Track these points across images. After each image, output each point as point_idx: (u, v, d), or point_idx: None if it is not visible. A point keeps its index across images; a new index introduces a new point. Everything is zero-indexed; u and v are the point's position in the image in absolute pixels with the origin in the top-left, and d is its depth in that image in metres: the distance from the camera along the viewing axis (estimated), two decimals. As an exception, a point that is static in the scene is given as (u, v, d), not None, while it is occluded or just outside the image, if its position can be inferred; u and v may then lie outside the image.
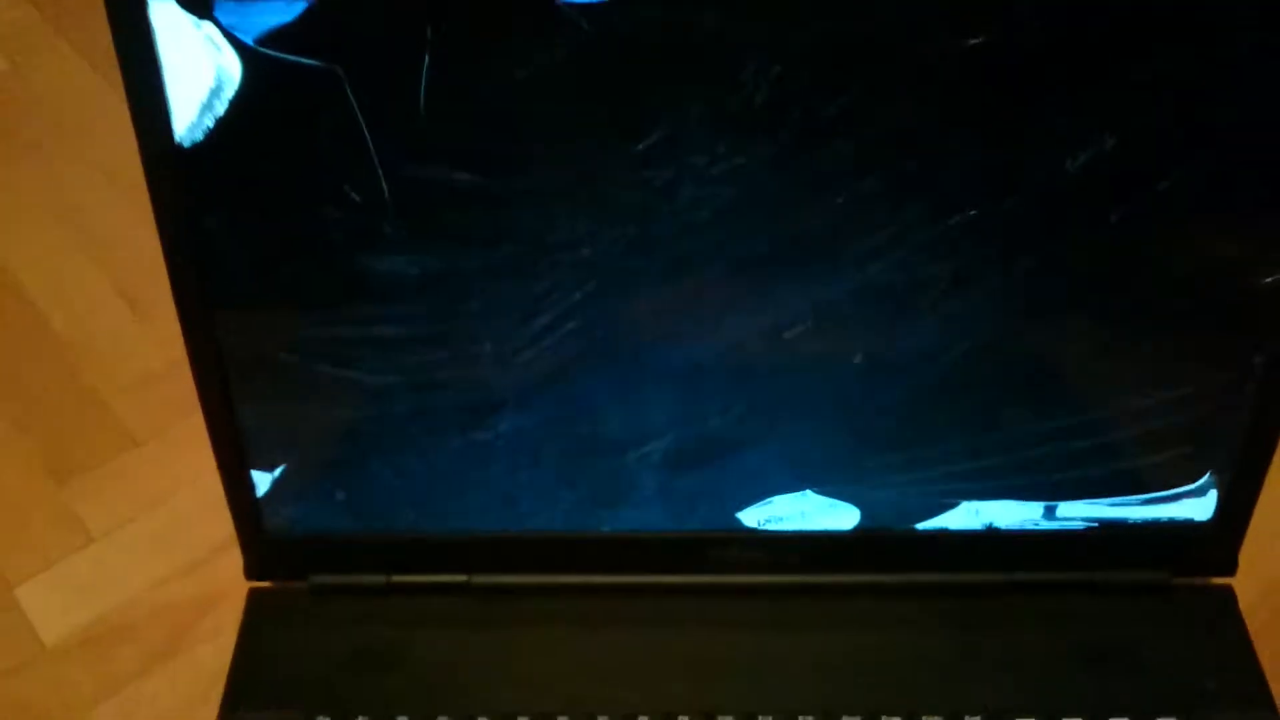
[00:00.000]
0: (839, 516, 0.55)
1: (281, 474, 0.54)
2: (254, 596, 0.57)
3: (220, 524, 0.56)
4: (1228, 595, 0.56)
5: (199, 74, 0.43)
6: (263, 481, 0.54)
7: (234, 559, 0.57)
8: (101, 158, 0.84)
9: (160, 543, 0.63)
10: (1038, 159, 0.45)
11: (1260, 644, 0.55)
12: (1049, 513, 0.55)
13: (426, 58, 0.43)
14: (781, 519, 0.55)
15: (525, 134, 0.45)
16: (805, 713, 0.52)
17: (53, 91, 0.88)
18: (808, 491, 0.54)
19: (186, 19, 0.42)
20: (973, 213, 0.46)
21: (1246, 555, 0.56)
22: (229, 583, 0.59)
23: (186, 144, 0.44)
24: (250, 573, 0.57)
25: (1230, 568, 0.56)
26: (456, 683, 0.54)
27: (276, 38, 0.42)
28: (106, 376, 0.71)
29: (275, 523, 0.55)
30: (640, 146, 0.45)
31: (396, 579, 0.56)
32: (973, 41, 0.42)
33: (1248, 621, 0.56)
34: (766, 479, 0.54)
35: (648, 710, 0.53)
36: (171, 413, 0.68)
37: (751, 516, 0.55)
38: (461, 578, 0.56)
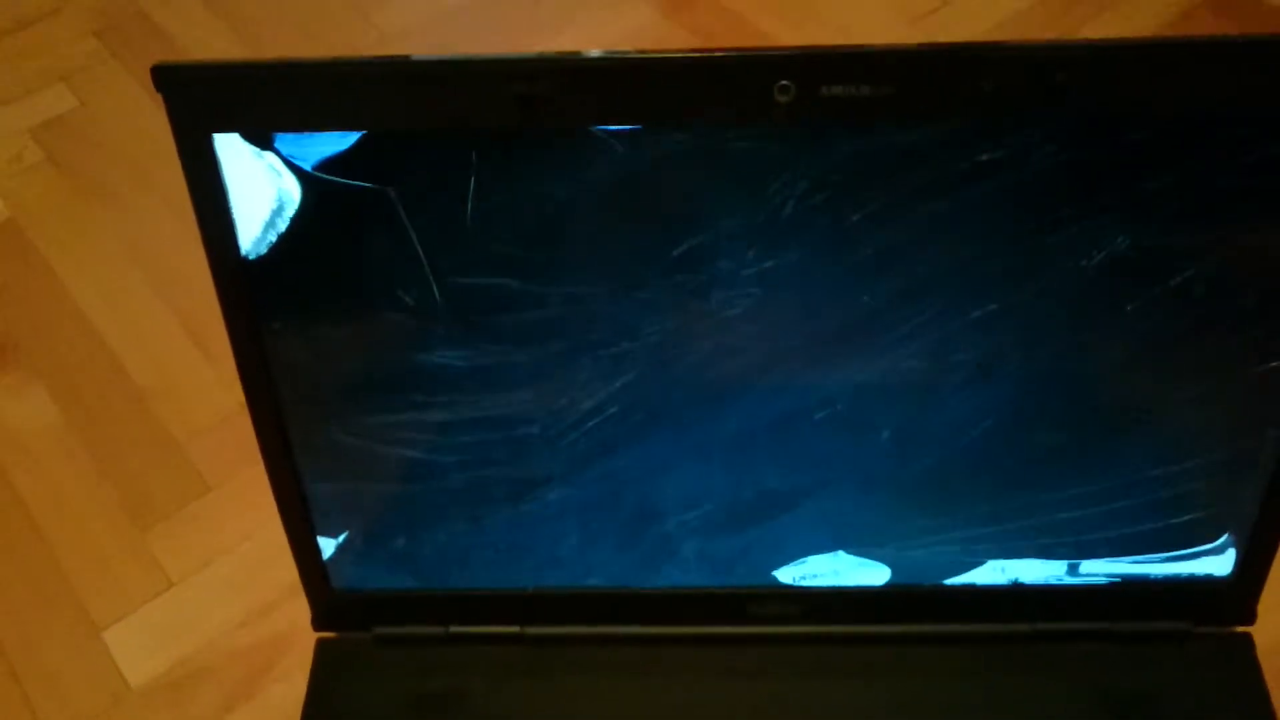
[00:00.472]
0: (870, 574, 0.58)
1: (345, 539, 0.57)
2: (322, 646, 0.62)
3: (290, 568, 0.60)
4: (1246, 643, 0.59)
5: (262, 196, 0.46)
6: (328, 546, 0.58)
7: (304, 602, 0.61)
8: (170, 196, 0.87)
9: (235, 587, 0.68)
10: (1056, 258, 0.47)
11: (1276, 689, 0.57)
12: (1072, 569, 0.57)
13: (472, 180, 0.46)
14: (816, 576, 0.58)
15: (566, 244, 0.48)
16: (835, 760, 0.56)
17: (121, 128, 0.92)
18: (840, 552, 0.57)
19: (249, 149, 0.45)
20: (993, 307, 0.48)
21: (1265, 602, 0.58)
22: (300, 626, 0.63)
23: (252, 256, 0.48)
24: (318, 625, 0.61)
25: (1249, 618, 0.58)
26: (511, 726, 0.58)
27: (333, 164, 0.46)
28: (181, 420, 0.75)
29: (340, 581, 0.59)
30: (674, 253, 0.47)
31: (454, 630, 0.60)
32: (988, 157, 0.44)
33: (1265, 666, 0.58)
34: (801, 541, 0.57)
35: (688, 754, 0.57)
36: (243, 456, 0.72)
37: (787, 574, 0.58)
38: (515, 629, 0.60)
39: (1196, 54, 0.43)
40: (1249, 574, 0.57)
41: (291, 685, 0.62)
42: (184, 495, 0.72)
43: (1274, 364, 0.50)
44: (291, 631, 0.65)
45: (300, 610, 0.62)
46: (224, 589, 0.67)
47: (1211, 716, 0.56)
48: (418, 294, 0.49)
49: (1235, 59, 0.43)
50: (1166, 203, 0.46)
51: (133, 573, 0.68)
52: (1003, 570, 0.57)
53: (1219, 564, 0.56)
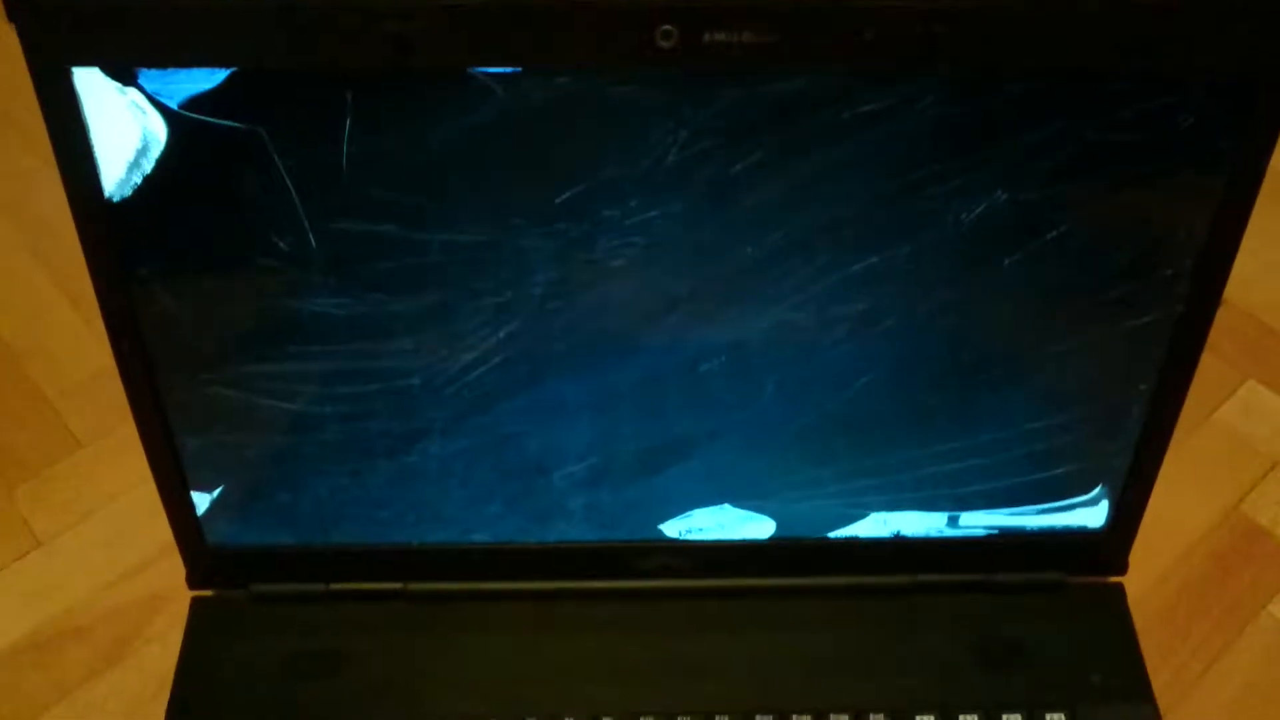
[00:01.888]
0: (755, 527, 0.58)
1: (220, 494, 0.56)
2: (196, 604, 0.60)
3: (165, 526, 0.59)
4: (1118, 593, 0.60)
5: (125, 135, 0.44)
6: (202, 501, 0.56)
7: (179, 562, 0.59)
8: (46, 152, 0.83)
9: (106, 546, 0.65)
10: (935, 212, 0.47)
11: (1145, 637, 0.59)
12: (952, 521, 0.58)
13: (347, 121, 0.44)
14: (701, 530, 0.58)
15: (445, 190, 0.46)
16: (720, 712, 0.56)
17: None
18: (726, 505, 0.57)
19: (111, 85, 0.43)
20: (874, 260, 0.48)
21: (1138, 549, 0.60)
22: (174, 585, 0.61)
23: (116, 199, 0.46)
24: (193, 582, 0.59)
25: (1121, 568, 0.60)
26: (393, 688, 0.57)
27: (201, 103, 0.44)
28: (52, 378, 0.73)
29: (215, 537, 0.57)
30: (556, 201, 0.46)
31: (335, 587, 0.59)
32: (869, 108, 0.44)
33: (1136, 614, 0.60)
34: (686, 495, 0.57)
35: (573, 712, 0.56)
36: (117, 413, 0.69)
37: (673, 528, 0.58)
38: (397, 585, 0.59)
39: (1074, 11, 0.44)
40: (1121, 525, 0.58)
41: (165, 645, 0.60)
42: (53, 453, 0.69)
43: (1145, 319, 0.51)
44: (166, 591, 0.63)
45: (175, 570, 0.60)
46: (94, 548, 0.65)
47: (1083, 664, 0.58)
48: (292, 240, 0.47)
49: (1112, 17, 0.44)
50: (1043, 158, 0.46)
51: (-1, 532, 0.66)
52: (885, 523, 0.58)
53: (1093, 516, 0.58)
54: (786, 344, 0.51)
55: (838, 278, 0.49)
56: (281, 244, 0.47)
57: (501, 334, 0.51)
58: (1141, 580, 0.62)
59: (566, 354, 0.52)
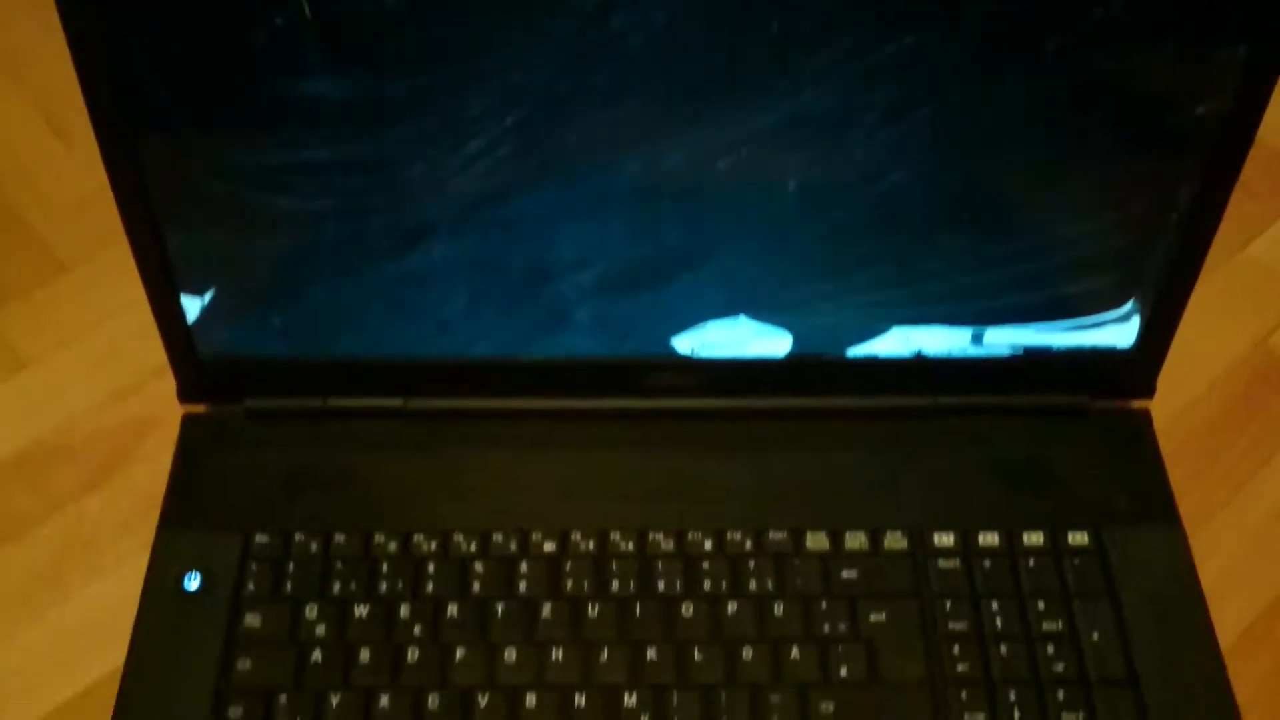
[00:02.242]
0: (772, 342, 0.55)
1: (212, 299, 0.53)
2: (189, 420, 0.58)
3: (155, 349, 0.56)
4: (1144, 418, 0.58)
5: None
6: (192, 306, 0.53)
7: (170, 385, 0.57)
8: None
9: (94, 368, 0.63)
10: (976, -13, 0.44)
11: (1172, 464, 0.57)
12: (976, 339, 0.56)
13: None
14: (715, 345, 0.55)
15: (452, -49, 0.43)
16: (734, 529, 0.54)
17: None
18: (741, 317, 0.55)
19: None
20: (908, 41, 0.45)
21: (1165, 379, 0.58)
22: (165, 408, 0.59)
23: (99, -33, 0.43)
24: (184, 396, 0.57)
25: (1149, 391, 0.58)
26: (393, 503, 0.55)
27: None
28: (34, 202, 0.69)
29: (208, 347, 0.55)
30: (571, -33, 0.43)
31: (333, 403, 0.57)
32: None
33: (1162, 442, 0.58)
34: (700, 304, 0.54)
35: (581, 528, 0.54)
36: (101, 238, 0.67)
37: (685, 343, 0.55)
38: (397, 402, 0.57)
39: None
40: (1151, 345, 0.56)
41: (157, 465, 0.58)
42: (38, 276, 0.66)
43: (1187, 114, 0.48)
44: (157, 414, 0.61)
45: (167, 393, 0.58)
46: (82, 370, 0.63)
47: (1108, 487, 0.56)
48: (287, 12, 0.44)
49: None
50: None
51: (-19, 354, 0.63)
52: (907, 339, 0.56)
53: (1122, 334, 0.55)
54: (812, 136, 0.48)
55: (867, 61, 0.46)
56: (277, 19, 0.44)
57: (509, 121, 0.47)
58: (1167, 411, 0.60)
59: (577, 146, 0.48)
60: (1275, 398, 0.63)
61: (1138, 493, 0.56)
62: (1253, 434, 0.61)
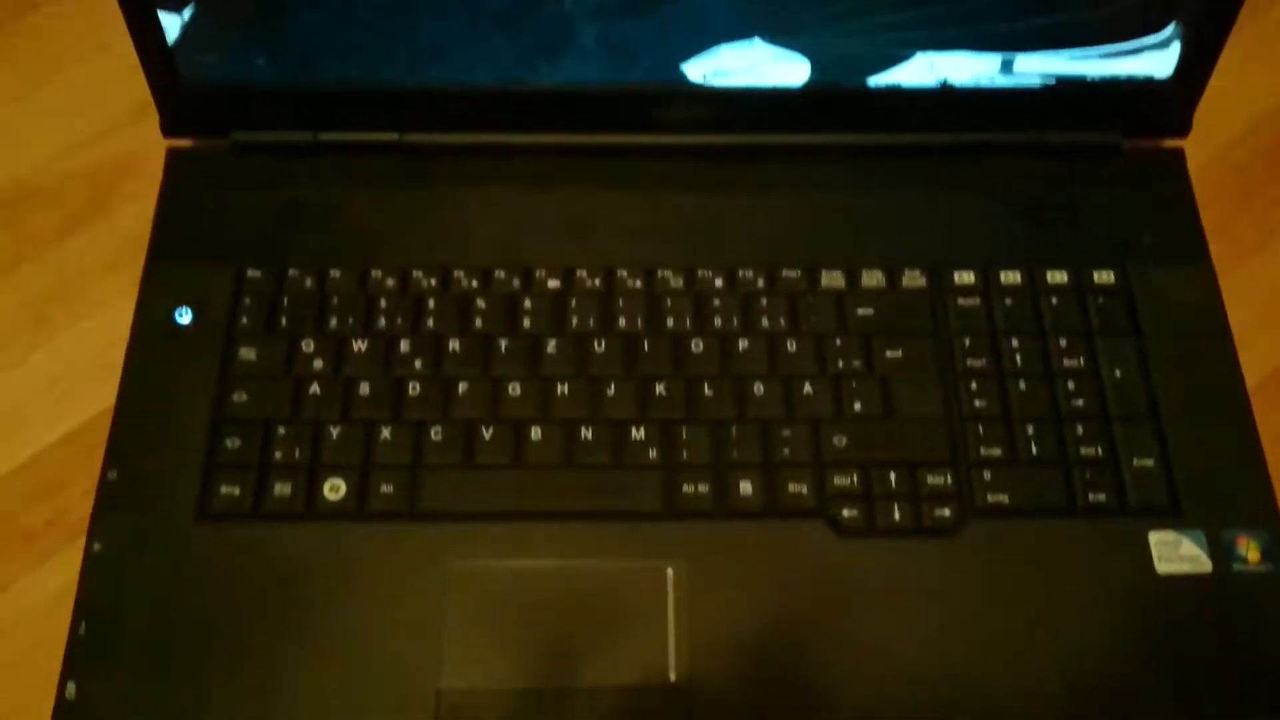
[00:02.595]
0: (789, 69, 0.52)
1: (192, 15, 0.50)
2: (174, 155, 0.55)
3: (135, 89, 0.53)
4: (1178, 157, 0.56)
5: None
6: (172, 24, 0.50)
7: (151, 125, 0.54)
8: None
9: (69, 108, 0.59)
10: None
11: (1204, 208, 0.55)
12: (1005, 67, 0.52)
13: None
14: (729, 73, 0.52)
15: None
16: (746, 267, 0.52)
17: None
18: (756, 40, 0.51)
19: None
20: None
21: (1200, 121, 0.55)
22: (147, 147, 0.56)
23: None
24: (167, 129, 0.54)
25: (1184, 128, 0.55)
26: (390, 238, 0.53)
27: None
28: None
29: (190, 71, 0.51)
30: None
31: (324, 137, 0.54)
32: None
33: (1196, 185, 0.55)
34: (713, 26, 0.51)
35: (587, 266, 0.52)
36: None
37: (697, 70, 0.52)
38: (393, 135, 0.54)
39: None
40: (1190, 75, 0.52)
41: (140, 206, 0.55)
42: (5, 13, 0.62)
43: None
44: (139, 152, 0.57)
45: (148, 132, 0.55)
46: (61, 107, 0.59)
47: (1136, 225, 0.54)
48: None
49: None
50: None
51: (-49, 92, 0.60)
52: (932, 68, 0.52)
53: (1160, 62, 0.52)
54: None
55: None
56: None
57: None
58: (1201, 154, 0.57)
59: None
60: (1314, 141, 0.60)
61: (1168, 232, 0.54)
62: (1290, 177, 0.59)
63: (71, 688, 0.44)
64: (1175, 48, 0.51)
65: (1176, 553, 0.47)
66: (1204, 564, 0.47)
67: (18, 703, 0.46)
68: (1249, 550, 0.47)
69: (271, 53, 0.51)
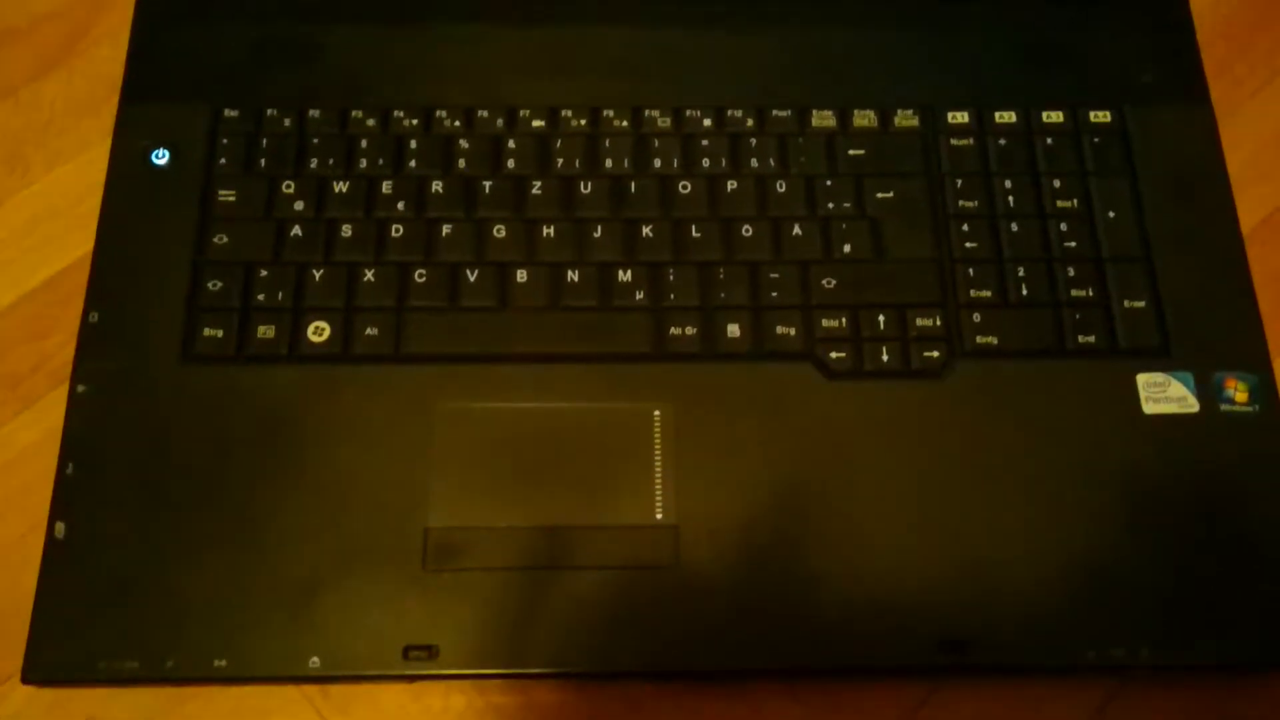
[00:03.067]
0: (780, -102, 0.50)
1: None
2: (145, -10, 0.53)
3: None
4: (1181, -7, 0.54)
5: None
6: None
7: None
8: None
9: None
10: None
11: (1207, 46, 0.53)
12: (1006, -105, 0.51)
13: None
14: (718, -99, 0.50)
15: None
16: (735, 107, 0.51)
17: None
18: None
19: None
20: None
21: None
22: (119, -15, 0.55)
23: None
24: (138, -38, 0.52)
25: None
26: (371, 80, 0.52)
27: None
28: None
29: (157, -100, 0.50)
30: None
31: (300, -28, 0.52)
32: None
33: (1200, 23, 0.54)
34: None
35: (572, 104, 0.51)
36: None
37: (685, -103, 0.50)
38: (369, -30, 0.52)
39: None
40: (1197, -96, 0.51)
41: (114, 46, 0.53)
42: None
43: None
44: (111, -7, 0.56)
45: (121, -33, 0.53)
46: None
47: (1135, 66, 0.52)
48: None
49: None
50: None
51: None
52: (929, -104, 0.50)
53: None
54: None
55: None
56: None
57: None
58: (1203, -4, 0.56)
59: None
60: (1322, -21, 0.58)
61: (1166, 72, 0.53)
62: (1293, 18, 0.57)
63: (60, 527, 0.44)
64: (1183, -127, 0.50)
65: (1164, 394, 0.47)
66: (1191, 404, 0.47)
67: (8, 543, 0.46)
68: (1237, 392, 0.47)
69: (242, -121, 0.49)
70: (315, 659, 0.42)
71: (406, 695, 0.45)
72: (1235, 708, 0.45)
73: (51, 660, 0.43)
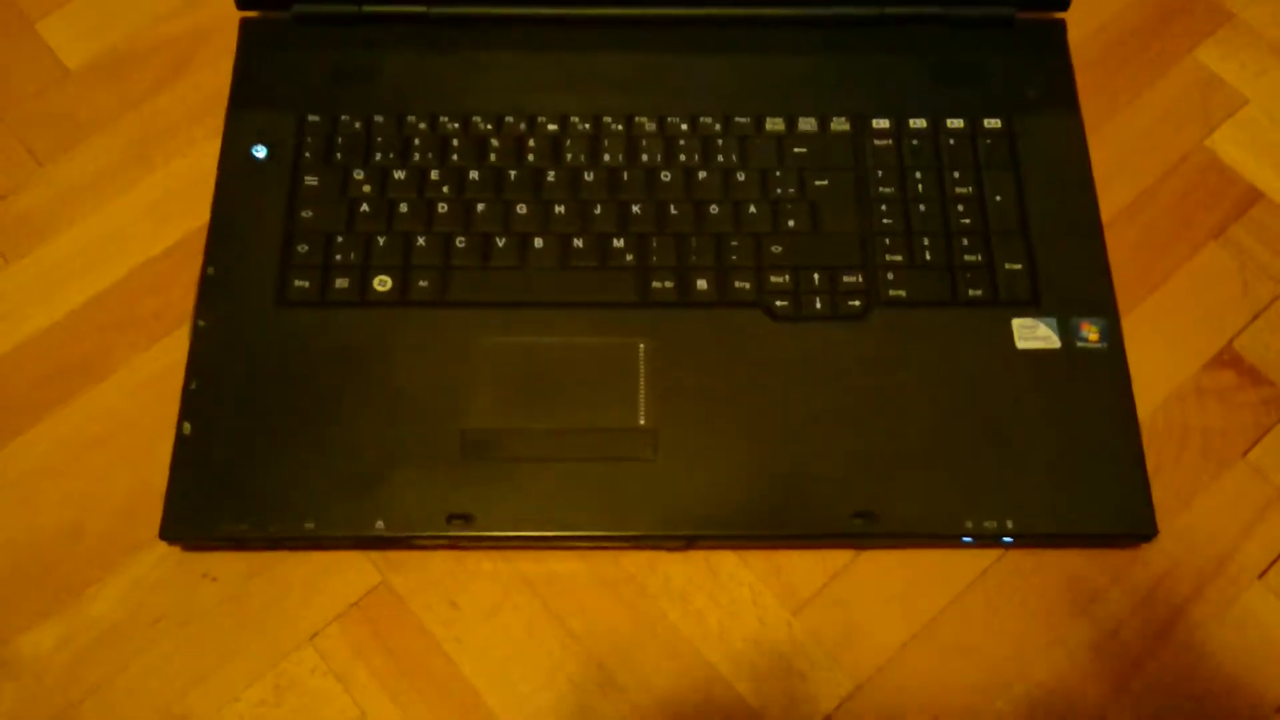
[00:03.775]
0: (741, -47, 0.65)
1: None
2: (246, 25, 0.68)
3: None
4: (1059, 27, 0.68)
5: None
6: (247, -85, 0.62)
7: (224, 2, 0.67)
8: None
9: (154, -13, 0.72)
10: None
11: (1083, 75, 0.67)
12: (916, -51, 0.65)
13: None
14: (692, -44, 0.65)
15: None
16: (706, 115, 0.65)
17: None
18: (714, -71, 0.64)
19: None
20: None
21: (1082, 5, 0.68)
22: (220, 19, 0.69)
23: None
24: (240, 1, 0.66)
25: (1064, 2, 0.67)
26: (422, 93, 0.66)
27: None
28: None
29: (260, -45, 0.64)
30: None
31: (367, 9, 0.67)
32: None
33: (1079, 54, 0.68)
34: (680, -83, 0.63)
35: (579, 113, 0.65)
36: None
37: (667, -48, 0.65)
38: (422, 8, 0.67)
39: None
40: (1066, -45, 0.65)
41: (218, 69, 0.67)
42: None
43: None
44: (213, 24, 0.70)
45: (223, 7, 0.67)
46: (142, -10, 0.72)
47: (1022, 84, 0.66)
48: None
49: None
50: None
51: (55, -24, 0.73)
52: (856, -48, 0.65)
53: (1041, -54, 0.65)
54: None
55: None
56: None
57: None
58: (1084, 26, 0.70)
59: None
60: (1178, 18, 0.72)
61: (1047, 89, 0.67)
62: (1157, 47, 0.71)
63: (187, 426, 0.58)
64: (1052, -68, 0.64)
65: (1034, 334, 0.61)
66: (1054, 342, 0.60)
67: (147, 439, 0.60)
68: (1090, 333, 0.61)
69: (325, -61, 0.64)
70: (380, 522, 0.56)
71: (451, 560, 0.59)
72: (1085, 572, 0.59)
73: (183, 521, 0.56)
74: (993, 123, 0.65)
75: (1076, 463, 0.58)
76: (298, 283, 0.61)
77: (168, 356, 0.62)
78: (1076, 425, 0.59)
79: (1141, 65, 0.71)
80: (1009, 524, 0.57)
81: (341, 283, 0.61)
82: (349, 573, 0.58)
